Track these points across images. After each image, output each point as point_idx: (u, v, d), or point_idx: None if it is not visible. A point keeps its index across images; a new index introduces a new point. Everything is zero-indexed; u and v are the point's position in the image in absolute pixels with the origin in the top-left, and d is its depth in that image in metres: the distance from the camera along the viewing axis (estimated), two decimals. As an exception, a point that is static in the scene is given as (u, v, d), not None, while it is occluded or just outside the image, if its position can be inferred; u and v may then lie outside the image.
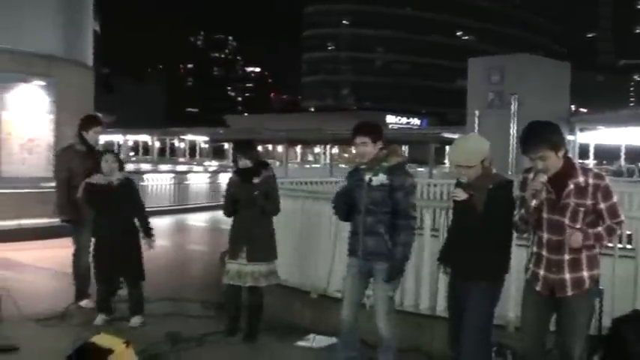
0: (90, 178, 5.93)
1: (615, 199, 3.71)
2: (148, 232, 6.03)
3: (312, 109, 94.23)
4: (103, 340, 4.54)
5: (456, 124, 50.00)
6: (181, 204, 18.50)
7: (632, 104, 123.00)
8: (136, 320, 5.89)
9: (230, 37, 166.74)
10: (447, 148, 38.57)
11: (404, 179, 4.46)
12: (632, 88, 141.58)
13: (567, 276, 3.70)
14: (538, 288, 3.81)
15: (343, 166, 46.93)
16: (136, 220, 6.04)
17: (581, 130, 33.43)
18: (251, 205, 5.40)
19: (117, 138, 65.12)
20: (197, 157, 65.42)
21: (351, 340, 4.62)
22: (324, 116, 69.95)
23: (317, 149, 62.41)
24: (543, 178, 3.66)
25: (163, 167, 47.57)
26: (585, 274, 3.71)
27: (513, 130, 31.06)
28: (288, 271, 6.37)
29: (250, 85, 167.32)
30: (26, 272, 8.27)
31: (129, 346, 4.49)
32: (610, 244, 4.29)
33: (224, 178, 18.79)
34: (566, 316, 3.74)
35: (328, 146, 51.67)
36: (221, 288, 5.90)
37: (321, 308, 5.95)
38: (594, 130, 34.38)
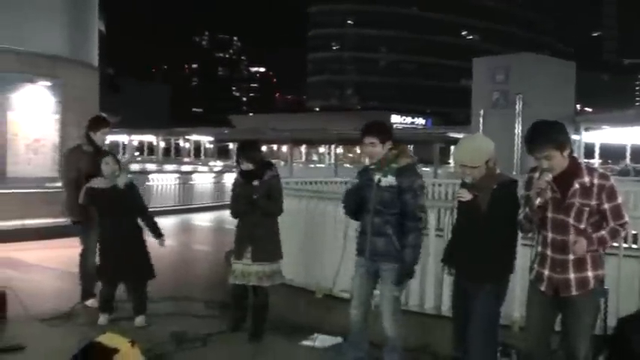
0: (90, 182, 5.94)
1: (620, 200, 3.69)
2: (157, 232, 6.05)
3: (317, 109, 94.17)
4: (108, 339, 4.52)
5: (460, 124, 49.96)
6: (186, 204, 18.51)
7: (637, 103, 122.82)
8: (140, 320, 5.89)
9: (235, 38, 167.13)
10: (452, 147, 38.55)
11: (413, 181, 4.43)
12: (637, 88, 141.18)
13: (572, 276, 3.69)
14: (543, 288, 3.80)
15: (348, 165, 47.02)
16: (139, 220, 6.05)
17: (587, 129, 33.28)
18: (251, 207, 5.39)
19: (122, 138, 65.11)
20: (202, 157, 65.42)
21: (360, 340, 4.62)
22: (328, 116, 69.98)
23: (322, 149, 62.29)
24: (548, 177, 3.65)
25: (168, 167, 47.67)
26: (590, 274, 3.70)
27: (518, 129, 30.91)
28: (294, 271, 6.38)
29: (255, 85, 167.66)
30: (32, 272, 8.29)
31: (134, 345, 4.49)
32: (615, 244, 4.28)
33: (229, 178, 18.86)
34: (571, 316, 3.73)
35: (333, 146, 51.57)
36: (226, 287, 5.91)
37: (327, 308, 5.96)
38: (599, 129, 34.22)
